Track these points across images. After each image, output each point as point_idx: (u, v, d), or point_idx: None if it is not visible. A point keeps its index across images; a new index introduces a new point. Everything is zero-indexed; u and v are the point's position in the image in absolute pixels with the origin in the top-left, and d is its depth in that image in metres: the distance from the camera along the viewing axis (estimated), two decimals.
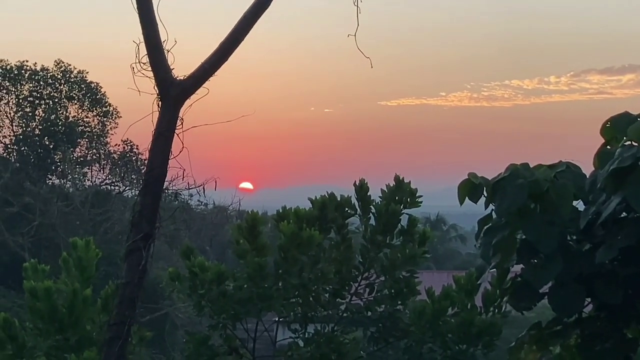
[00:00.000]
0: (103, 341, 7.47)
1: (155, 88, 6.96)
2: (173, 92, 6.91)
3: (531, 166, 5.57)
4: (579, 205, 5.50)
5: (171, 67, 6.99)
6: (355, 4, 7.25)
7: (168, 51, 6.96)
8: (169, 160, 6.91)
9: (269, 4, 7.09)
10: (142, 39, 6.95)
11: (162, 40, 6.94)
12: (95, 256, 10.87)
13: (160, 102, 6.93)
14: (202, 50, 7.24)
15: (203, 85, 7.02)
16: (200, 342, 11.44)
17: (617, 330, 5.52)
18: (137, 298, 6.78)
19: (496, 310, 11.11)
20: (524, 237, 5.45)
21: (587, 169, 5.59)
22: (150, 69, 6.94)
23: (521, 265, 5.58)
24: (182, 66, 7.12)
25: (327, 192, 11.86)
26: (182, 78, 7.02)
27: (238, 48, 7.17)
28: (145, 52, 6.93)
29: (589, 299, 5.55)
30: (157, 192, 6.83)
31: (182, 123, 6.96)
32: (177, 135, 6.94)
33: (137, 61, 6.95)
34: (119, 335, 6.58)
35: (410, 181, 11.70)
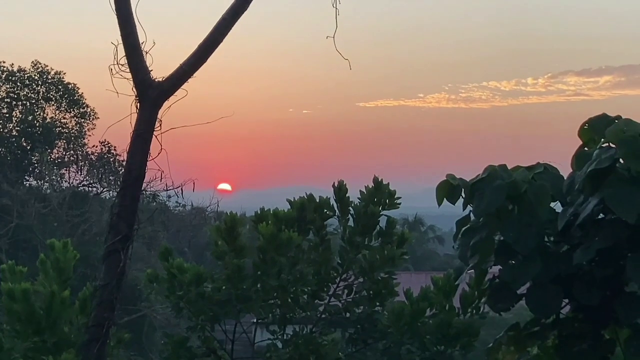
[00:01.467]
0: (81, 343, 7.45)
1: (134, 89, 6.96)
2: (152, 93, 6.91)
3: (509, 168, 5.59)
4: (557, 206, 5.52)
5: (150, 69, 6.99)
6: (334, 5, 7.27)
7: (147, 52, 6.97)
8: (148, 162, 6.90)
9: (248, 6, 7.10)
10: (120, 40, 6.95)
11: (141, 41, 6.94)
12: (73, 258, 10.83)
13: (138, 104, 6.93)
14: (181, 51, 7.25)
15: (182, 87, 7.02)
16: (179, 344, 11.41)
17: (595, 331, 5.56)
18: (116, 300, 6.77)
19: (474, 312, 11.13)
20: (501, 238, 5.48)
21: (565, 170, 5.62)
22: (128, 70, 6.94)
23: (499, 267, 5.60)
24: (160, 67, 7.13)
25: (306, 193, 11.86)
26: (160, 79, 7.01)
27: (216, 49, 7.17)
28: (124, 54, 6.93)
29: (566, 300, 5.58)
30: (135, 193, 6.83)
31: (160, 124, 6.96)
32: (156, 136, 6.94)
33: (116, 62, 6.95)
34: (98, 337, 6.58)
35: (389, 183, 11.71)
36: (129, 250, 6.76)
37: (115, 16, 6.92)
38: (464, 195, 5.53)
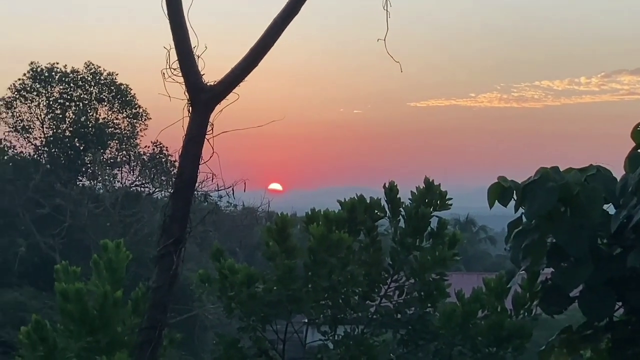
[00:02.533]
0: (134, 345, 7.50)
1: (186, 93, 6.98)
2: (204, 97, 6.93)
3: (561, 169, 5.55)
4: (610, 209, 5.47)
5: (202, 73, 7.02)
6: (385, 8, 7.25)
7: (199, 57, 6.98)
8: (200, 165, 6.93)
9: (299, 9, 7.10)
10: (172, 45, 6.97)
11: (193, 46, 6.96)
12: (125, 258, 10.92)
13: (190, 108, 6.95)
14: (233, 55, 7.27)
15: (233, 90, 7.04)
16: (230, 345, 11.47)
17: None
18: (168, 302, 6.80)
19: (526, 313, 11.08)
20: (554, 240, 5.43)
21: (618, 172, 5.56)
22: (180, 74, 6.96)
23: (551, 269, 5.56)
24: (212, 71, 7.15)
25: (357, 194, 11.86)
26: (212, 83, 7.03)
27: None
28: (176, 58, 6.95)
29: (619, 303, 5.52)
30: (187, 196, 6.85)
31: (212, 128, 6.98)
32: (208, 140, 6.96)
33: (168, 66, 6.97)
34: (150, 339, 6.61)
35: (440, 184, 11.68)
36: (182, 253, 6.79)
37: (168, 21, 6.96)
38: (515, 198, 5.49)
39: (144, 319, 6.89)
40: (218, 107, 7.05)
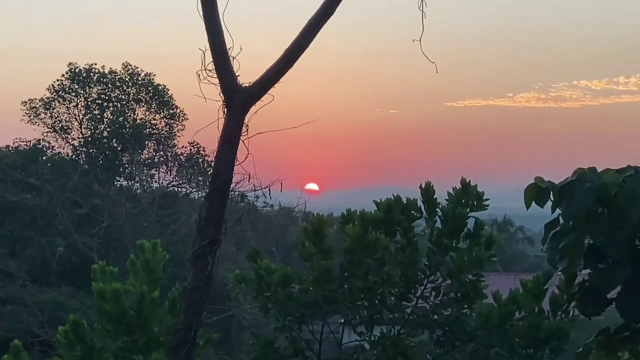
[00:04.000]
0: (170, 346, 7.52)
1: (221, 95, 6.99)
2: (238, 99, 6.94)
3: (599, 170, 5.51)
4: None
5: (237, 74, 7.02)
6: (420, 8, 7.22)
7: (234, 58, 6.99)
8: (235, 167, 6.94)
9: (334, 11, 7.10)
10: (208, 46, 6.99)
11: (228, 47, 6.97)
12: (162, 258, 10.94)
13: (226, 109, 6.96)
14: (268, 56, 7.27)
15: (268, 92, 7.04)
16: (266, 345, 11.48)
17: None
18: (204, 303, 6.82)
19: (563, 315, 11.00)
20: (591, 241, 5.40)
21: None
22: (216, 75, 6.98)
23: (589, 270, 5.52)
24: (247, 72, 7.16)
25: (393, 195, 11.83)
26: (247, 85, 7.04)
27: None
28: (211, 59, 6.97)
29: None
30: (222, 198, 6.86)
31: (247, 129, 6.98)
32: (243, 141, 6.97)
33: (203, 68, 6.99)
34: (186, 340, 6.63)
35: (477, 184, 11.63)
36: (217, 254, 6.80)
37: (203, 23, 6.98)
38: (552, 198, 5.46)
39: (180, 320, 6.91)
40: (253, 109, 7.06)
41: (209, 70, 6.97)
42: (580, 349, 5.90)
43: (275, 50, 7.19)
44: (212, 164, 7.13)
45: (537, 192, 5.51)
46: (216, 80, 6.99)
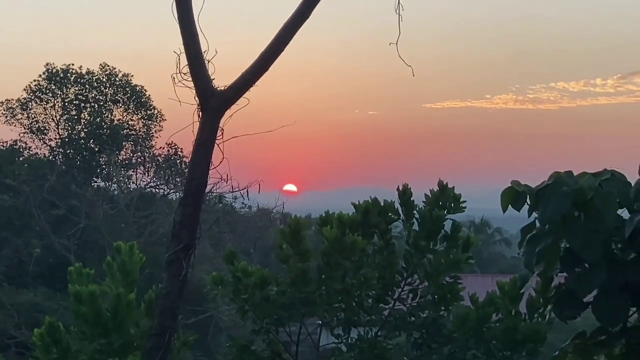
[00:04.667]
0: (144, 351, 7.49)
1: (196, 98, 6.96)
2: (214, 102, 6.91)
3: (575, 173, 5.51)
4: (624, 213, 5.43)
5: (212, 77, 6.99)
6: (397, 11, 7.21)
7: (209, 61, 6.96)
8: (210, 171, 6.91)
9: (310, 13, 7.07)
10: (182, 49, 6.96)
11: (203, 50, 6.94)
12: (139, 260, 10.91)
13: (201, 113, 6.93)
14: (243, 58, 7.24)
15: (243, 95, 7.01)
16: (243, 348, 11.47)
17: None
18: (178, 308, 6.78)
19: (540, 318, 11.04)
20: (567, 245, 5.40)
21: (632, 174, 5.52)
22: (191, 79, 6.94)
23: (565, 274, 5.53)
24: (222, 75, 7.12)
25: (371, 196, 11.84)
26: (222, 88, 7.01)
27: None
28: (186, 62, 6.94)
29: (634, 309, 5.49)
30: (197, 202, 6.83)
31: (222, 133, 6.95)
32: (218, 145, 6.95)
33: (178, 71, 6.95)
34: (160, 345, 6.59)
35: (454, 186, 11.66)
36: (191, 259, 6.77)
37: (178, 25, 6.94)
38: (529, 202, 5.46)
39: (154, 325, 6.87)
40: (228, 112, 7.03)
41: (184, 74, 6.94)
42: (557, 352, 5.90)
43: (251, 53, 7.18)
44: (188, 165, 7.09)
45: (513, 196, 5.50)
46: (191, 84, 6.96)
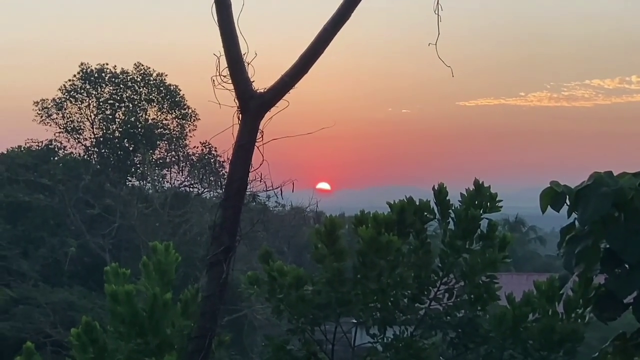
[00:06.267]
0: (185, 354, 7.50)
1: (236, 101, 6.95)
2: (253, 105, 6.90)
3: (615, 174, 5.46)
4: None
5: (251, 80, 6.98)
6: (436, 12, 7.16)
7: (248, 64, 6.94)
8: (250, 173, 6.91)
9: (350, 15, 7.04)
10: (222, 52, 6.95)
11: (243, 52, 6.93)
12: (174, 260, 10.92)
13: (240, 115, 6.92)
14: (283, 61, 7.23)
15: (283, 98, 7.00)
16: (279, 347, 11.46)
17: None
18: (219, 311, 6.78)
19: (578, 319, 10.96)
20: (608, 246, 5.35)
21: None
22: (230, 81, 6.94)
23: (605, 275, 5.48)
24: (262, 77, 7.11)
25: (406, 196, 11.79)
26: (262, 91, 7.00)
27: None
28: (226, 65, 6.93)
29: None
30: (237, 205, 6.82)
31: (262, 135, 6.95)
32: (257, 147, 6.94)
33: (218, 74, 6.94)
34: (200, 348, 6.59)
35: (490, 185, 11.59)
36: (232, 262, 6.76)
37: (218, 28, 6.93)
38: (568, 203, 5.41)
39: (194, 328, 6.87)
40: (268, 114, 7.02)
41: (224, 76, 6.93)
42: (596, 353, 5.85)
43: (291, 53, 7.16)
44: (225, 163, 7.10)
45: (553, 196, 5.46)
46: (231, 86, 6.95)
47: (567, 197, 5.42)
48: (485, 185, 11.61)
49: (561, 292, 9.74)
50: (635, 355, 5.67)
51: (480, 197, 11.55)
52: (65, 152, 48.02)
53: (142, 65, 49.13)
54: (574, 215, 5.43)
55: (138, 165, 48.30)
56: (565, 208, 5.49)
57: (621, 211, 5.31)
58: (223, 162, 44.80)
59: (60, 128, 48.19)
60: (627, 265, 5.27)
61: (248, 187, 7.22)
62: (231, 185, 6.89)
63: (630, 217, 5.26)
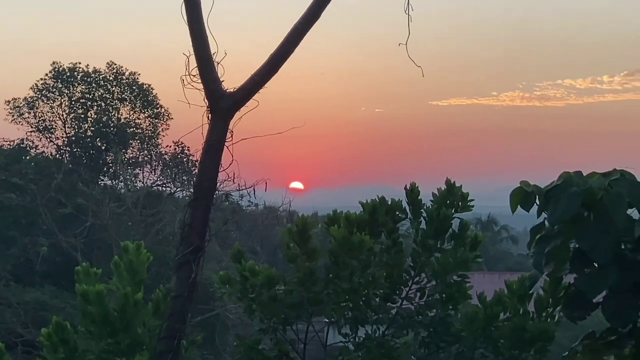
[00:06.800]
0: (154, 355, 7.48)
1: (205, 100, 6.93)
2: (223, 104, 6.88)
3: (584, 173, 5.50)
4: (634, 213, 5.42)
5: (221, 79, 6.96)
6: (406, 12, 7.17)
7: (218, 63, 6.93)
8: (219, 173, 6.89)
9: (320, 14, 7.04)
10: (192, 51, 6.93)
11: (213, 52, 6.91)
12: (146, 260, 10.89)
13: (210, 115, 6.91)
14: (253, 59, 7.22)
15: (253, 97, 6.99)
16: (251, 347, 11.45)
17: None
18: (188, 311, 6.77)
19: (549, 319, 11.01)
20: (577, 246, 5.39)
21: None
22: (200, 81, 6.92)
23: (574, 275, 5.51)
24: (232, 76, 7.10)
25: (378, 195, 11.81)
26: (232, 90, 6.99)
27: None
28: (196, 64, 6.91)
29: None
30: (207, 205, 6.81)
31: (232, 135, 6.93)
32: (227, 147, 6.92)
33: (187, 73, 6.93)
34: (170, 349, 6.58)
35: (461, 185, 11.63)
36: (201, 262, 6.75)
37: (187, 28, 6.91)
38: (538, 202, 5.44)
39: (163, 328, 6.85)
40: (237, 114, 7.01)
41: (194, 76, 6.91)
42: (566, 352, 5.88)
43: (261, 53, 7.15)
44: (197, 163, 7.10)
45: (523, 196, 5.49)
46: (200, 86, 6.93)
47: (537, 196, 5.46)
48: (457, 184, 11.65)
49: (531, 291, 9.77)
50: (604, 354, 5.71)
51: (452, 196, 11.59)
52: (37, 151, 47.83)
53: (115, 64, 49.02)
54: (544, 215, 5.46)
55: (110, 165, 48.15)
56: (535, 208, 5.52)
57: (590, 211, 5.34)
58: (196, 161, 44.75)
59: (32, 127, 48.01)
60: (596, 265, 5.30)
61: (221, 186, 7.19)
62: (200, 185, 6.87)
63: (599, 217, 5.29)
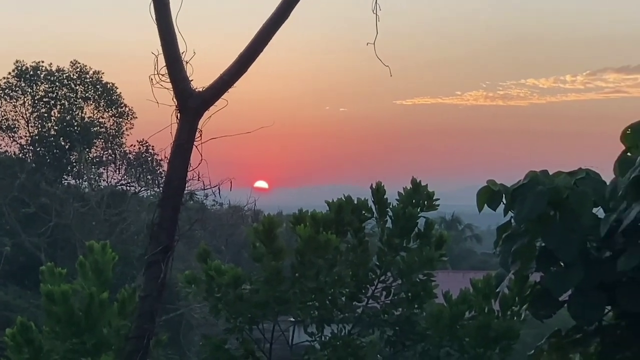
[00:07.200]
0: (123, 355, 7.45)
1: (174, 100, 6.91)
2: (192, 103, 6.86)
3: (550, 172, 5.53)
4: (599, 212, 5.45)
5: (190, 79, 6.94)
6: (374, 11, 7.17)
7: (187, 62, 6.90)
8: (188, 172, 6.87)
9: (289, 15, 7.03)
10: (160, 50, 6.90)
11: (181, 51, 6.88)
12: (111, 259, 10.86)
13: (179, 114, 6.88)
14: (222, 60, 7.20)
15: (222, 97, 6.96)
16: (217, 346, 11.45)
17: (638, 339, 5.48)
18: (157, 311, 6.74)
19: (515, 317, 11.08)
20: (543, 244, 5.41)
21: (606, 171, 5.55)
22: (169, 80, 6.89)
23: (541, 273, 5.54)
24: (201, 76, 7.07)
25: (344, 195, 11.84)
26: (201, 89, 6.96)
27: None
28: (164, 64, 6.88)
29: (609, 307, 5.51)
30: (175, 204, 6.78)
31: (200, 134, 6.91)
32: (196, 146, 6.90)
33: (156, 72, 6.89)
34: (139, 348, 6.55)
35: (427, 184, 11.68)
36: (170, 261, 6.73)
37: (156, 26, 6.88)
38: (504, 201, 5.47)
39: (132, 328, 6.82)
40: (206, 114, 6.98)
41: (162, 75, 6.88)
42: (532, 350, 5.91)
43: (230, 52, 7.14)
44: (162, 162, 7.10)
45: (489, 195, 5.52)
46: (169, 85, 6.90)
47: (504, 195, 5.48)
48: (423, 184, 11.70)
49: (497, 290, 9.80)
50: (570, 352, 5.74)
51: (418, 195, 11.64)
52: None
53: (79, 63, 48.63)
54: (510, 213, 5.49)
55: (74, 164, 47.78)
56: (501, 206, 5.54)
57: (556, 210, 5.37)
58: (160, 160, 44.57)
59: None
60: (562, 264, 5.34)
61: (187, 185, 7.16)
62: (169, 185, 6.85)
63: (565, 215, 5.33)
